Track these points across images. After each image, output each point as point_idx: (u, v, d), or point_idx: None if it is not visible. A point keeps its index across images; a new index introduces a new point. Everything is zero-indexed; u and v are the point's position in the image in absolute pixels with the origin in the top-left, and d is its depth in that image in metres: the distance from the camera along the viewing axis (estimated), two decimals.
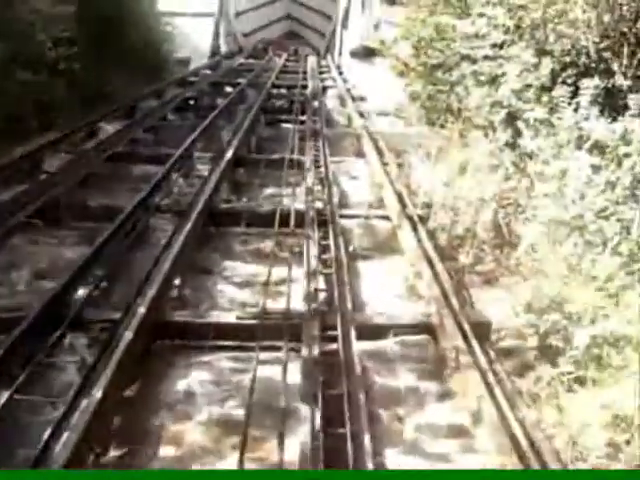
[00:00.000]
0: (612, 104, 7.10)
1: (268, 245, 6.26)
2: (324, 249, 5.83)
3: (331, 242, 5.94)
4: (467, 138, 9.42)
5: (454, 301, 4.86)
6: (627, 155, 5.99)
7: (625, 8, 7.82)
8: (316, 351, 4.09)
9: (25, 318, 4.42)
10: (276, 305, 4.89)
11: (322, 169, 8.59)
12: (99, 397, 3.45)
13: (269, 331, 4.40)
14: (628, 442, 3.57)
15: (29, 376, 3.98)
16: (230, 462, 3.30)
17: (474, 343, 4.26)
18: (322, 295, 5.01)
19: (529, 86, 7.03)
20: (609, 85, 7.43)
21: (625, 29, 8.09)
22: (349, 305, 4.76)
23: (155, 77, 17.22)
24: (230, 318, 4.83)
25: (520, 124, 7.15)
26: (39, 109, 10.17)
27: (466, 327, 4.43)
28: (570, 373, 4.30)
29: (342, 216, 6.83)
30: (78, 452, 3.10)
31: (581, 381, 4.27)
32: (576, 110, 5.90)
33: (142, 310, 4.56)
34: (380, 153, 9.54)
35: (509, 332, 5.20)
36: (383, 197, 7.75)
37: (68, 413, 3.62)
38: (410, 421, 3.88)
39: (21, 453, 3.37)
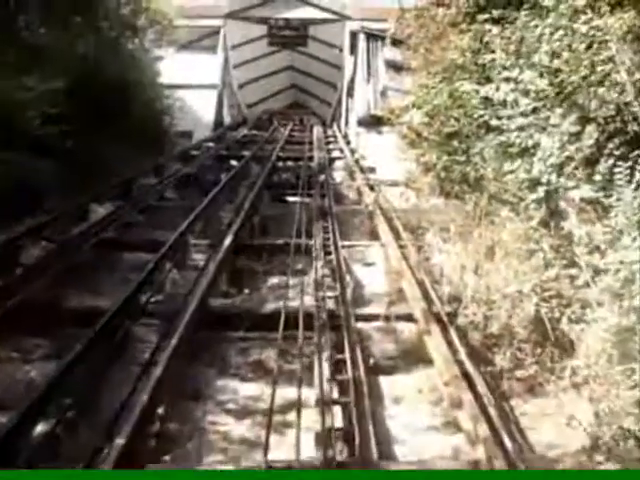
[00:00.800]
0: None
1: (271, 356, 5.26)
2: (338, 365, 4.82)
3: (347, 355, 4.92)
4: (492, 215, 8.50)
5: (506, 441, 3.81)
6: None
7: None
8: None
9: None
10: (282, 448, 3.86)
11: (332, 255, 7.63)
12: None
13: None
14: None
15: None
16: None
17: None
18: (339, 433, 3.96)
19: (570, 159, 6.13)
20: None
21: None
22: (374, 451, 3.72)
23: (155, 151, 16.50)
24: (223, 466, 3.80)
25: (561, 204, 6.22)
26: (22, 191, 9.32)
27: None
28: None
29: (358, 317, 5.84)
30: None
31: None
32: (637, 188, 4.97)
33: (113, 455, 3.58)
34: (395, 233, 8.61)
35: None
36: (403, 288, 6.76)
37: None
38: None
39: None
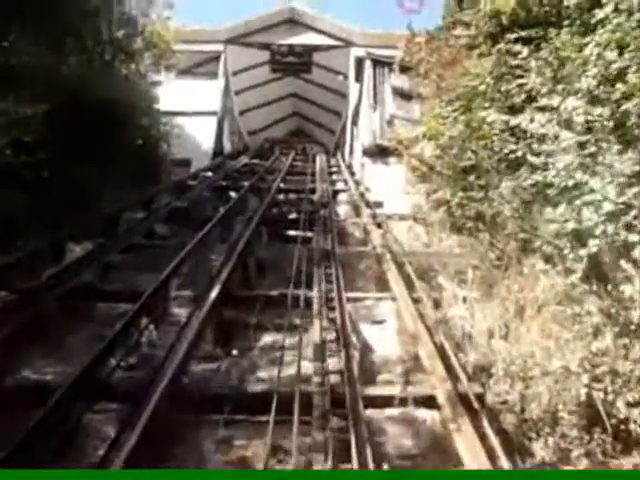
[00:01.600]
0: None
1: (258, 453, 4.17)
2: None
3: (354, 461, 3.81)
4: (521, 263, 7.43)
5: None
6: None
7: None
8: None
9: None
10: None
11: (335, 310, 6.54)
12: None
13: None
14: None
15: None
16: None
17: None
18: None
19: (629, 206, 5.07)
20: None
21: None
22: None
23: (149, 181, 15.47)
24: None
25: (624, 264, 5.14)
26: None
27: None
28: None
29: (368, 402, 4.72)
30: None
31: None
32: None
33: None
34: (407, 282, 7.54)
35: None
36: (420, 356, 5.67)
37: None
38: None
39: None
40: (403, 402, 4.83)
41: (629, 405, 4.74)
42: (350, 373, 4.94)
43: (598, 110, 5.71)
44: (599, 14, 6.31)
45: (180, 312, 6.76)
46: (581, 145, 5.79)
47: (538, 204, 6.55)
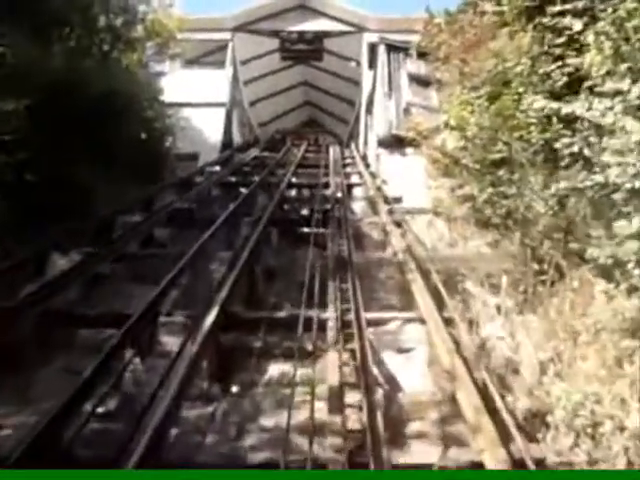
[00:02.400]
0: None
1: None
2: None
3: None
4: (569, 275, 6.40)
5: None
6: None
7: None
8: None
9: None
10: None
11: (354, 337, 5.52)
12: None
13: None
14: None
15: None
16: None
17: None
18: None
19: None
20: None
21: None
22: None
23: (151, 179, 14.48)
24: None
25: None
26: None
27: None
28: None
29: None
30: None
31: None
32: None
33: None
34: (436, 297, 6.51)
35: None
36: (458, 398, 4.65)
37: None
38: None
39: None
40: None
41: None
42: (374, 433, 3.92)
43: None
44: None
45: (171, 341, 5.76)
46: None
47: (596, 209, 5.51)
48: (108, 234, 9.60)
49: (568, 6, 6.60)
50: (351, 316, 5.90)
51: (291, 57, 28.06)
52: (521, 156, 8.07)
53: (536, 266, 7.19)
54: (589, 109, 5.31)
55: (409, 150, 16.46)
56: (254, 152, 22.22)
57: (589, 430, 4.03)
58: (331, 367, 4.88)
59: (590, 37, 5.85)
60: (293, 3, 25.47)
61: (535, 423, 4.37)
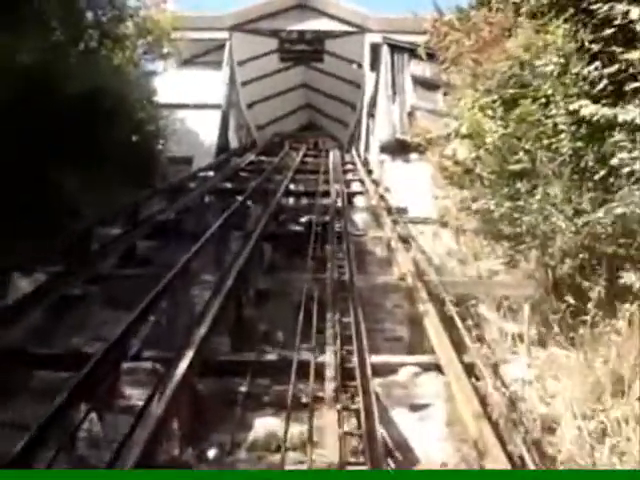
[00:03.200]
0: None
1: None
2: None
3: None
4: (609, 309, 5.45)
5: None
6: None
7: None
8: None
9: None
10: None
11: (356, 388, 4.56)
12: None
13: None
14: None
15: None
16: None
17: None
18: None
19: None
20: None
21: None
22: None
23: (140, 185, 13.51)
24: None
25: None
26: None
27: None
28: None
29: None
30: None
31: None
32: None
33: None
34: (453, 335, 5.55)
35: None
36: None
37: None
38: None
39: None
40: None
41: None
42: None
43: None
44: None
45: (136, 393, 4.79)
46: None
47: None
48: (83, 249, 8.61)
49: None
50: (354, 360, 4.93)
51: (290, 58, 27.26)
52: (546, 167, 7.13)
53: (570, 299, 6.25)
54: None
55: (413, 156, 15.60)
56: (251, 156, 21.26)
57: None
58: (330, 434, 3.92)
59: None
60: (293, 2, 24.54)
61: None
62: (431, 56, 14.02)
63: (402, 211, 11.94)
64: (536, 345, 6.74)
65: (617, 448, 3.84)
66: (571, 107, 5.89)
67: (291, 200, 13.57)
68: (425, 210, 12.11)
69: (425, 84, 17.93)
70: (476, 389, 4.51)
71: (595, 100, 5.90)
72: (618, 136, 5.38)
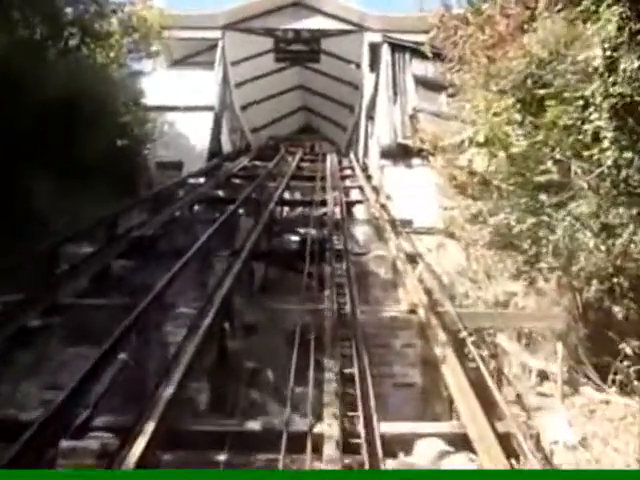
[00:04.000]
0: None
1: None
2: None
3: None
4: None
5: None
6: None
7: None
8: None
9: None
10: None
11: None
12: None
13: None
14: None
15: None
16: None
17: None
18: None
19: None
20: None
21: None
22: None
23: (122, 193, 12.44)
24: None
25: None
26: None
27: None
28: None
29: None
30: None
31: None
32: None
33: None
34: (483, 398, 4.50)
35: None
36: None
37: None
38: None
39: None
40: None
41: None
42: None
43: None
44: None
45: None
46: None
47: None
48: (47, 272, 7.55)
49: None
50: (360, 432, 3.87)
51: (286, 58, 26.32)
52: (581, 180, 6.12)
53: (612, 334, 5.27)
54: None
55: (416, 161, 14.61)
56: (244, 161, 20.22)
57: None
58: None
59: None
60: (288, 0, 23.56)
61: None
62: (434, 55, 13.06)
63: (406, 224, 10.91)
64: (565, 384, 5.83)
65: None
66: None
67: (286, 209, 12.56)
68: (429, 220, 11.18)
69: (428, 84, 16.97)
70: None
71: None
72: None
